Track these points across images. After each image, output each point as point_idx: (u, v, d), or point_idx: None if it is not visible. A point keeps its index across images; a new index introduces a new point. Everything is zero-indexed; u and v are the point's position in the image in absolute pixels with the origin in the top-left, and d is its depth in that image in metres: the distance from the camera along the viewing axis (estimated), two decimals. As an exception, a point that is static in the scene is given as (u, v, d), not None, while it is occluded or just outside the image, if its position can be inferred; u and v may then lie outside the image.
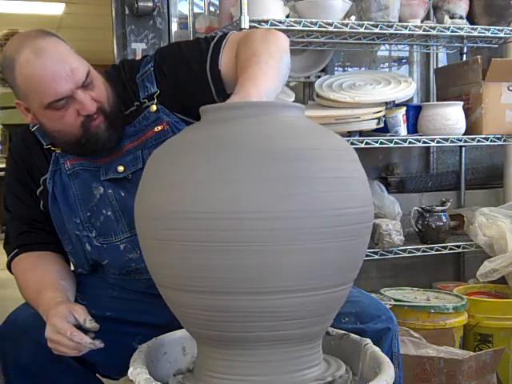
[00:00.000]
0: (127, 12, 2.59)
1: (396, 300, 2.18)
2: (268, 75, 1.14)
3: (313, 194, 0.88)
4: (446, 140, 2.39)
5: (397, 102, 2.40)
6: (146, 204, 0.96)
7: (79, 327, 1.19)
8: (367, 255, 2.21)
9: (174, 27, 2.69)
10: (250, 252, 0.87)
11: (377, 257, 2.33)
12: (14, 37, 1.31)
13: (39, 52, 1.22)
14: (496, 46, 2.67)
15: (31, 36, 1.26)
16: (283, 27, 2.12)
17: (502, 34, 2.46)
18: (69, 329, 1.16)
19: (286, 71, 1.22)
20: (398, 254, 2.36)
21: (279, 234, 0.87)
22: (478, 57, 2.47)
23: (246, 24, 2.03)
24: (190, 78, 1.32)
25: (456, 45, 2.68)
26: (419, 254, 2.41)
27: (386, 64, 3.02)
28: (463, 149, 2.83)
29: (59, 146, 1.38)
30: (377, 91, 2.35)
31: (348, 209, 0.91)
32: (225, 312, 0.92)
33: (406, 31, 2.32)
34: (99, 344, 1.18)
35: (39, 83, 1.23)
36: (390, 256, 2.35)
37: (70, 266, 1.47)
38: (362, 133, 2.33)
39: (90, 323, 1.19)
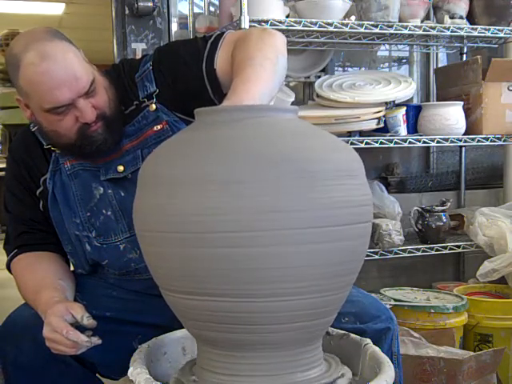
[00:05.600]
0: (127, 12, 2.59)
1: (396, 300, 2.18)
2: (262, 78, 1.13)
3: (310, 195, 0.87)
4: (446, 140, 2.39)
5: (397, 102, 2.40)
6: (143, 206, 0.96)
7: (77, 325, 1.19)
8: (367, 255, 2.21)
9: (174, 27, 2.69)
10: (248, 253, 0.87)
11: (377, 257, 2.33)
12: (22, 34, 1.30)
13: (45, 56, 1.20)
14: (496, 45, 2.67)
15: (40, 37, 1.24)
16: (283, 27, 2.12)
17: (502, 34, 2.46)
18: (64, 327, 1.16)
19: (281, 72, 1.21)
20: (398, 254, 2.36)
21: (278, 234, 0.86)
22: (478, 57, 2.47)
23: (246, 24, 2.03)
24: (187, 76, 1.32)
25: (456, 45, 2.68)
26: (419, 253, 2.41)
27: (386, 64, 3.02)
28: (463, 149, 2.83)
29: (55, 146, 1.38)
30: (377, 91, 2.35)
31: (346, 208, 0.91)
32: (224, 314, 0.92)
33: (406, 31, 2.32)
34: (97, 341, 1.18)
35: (41, 89, 1.22)
36: (390, 256, 2.35)
37: (69, 266, 1.47)
38: (361, 133, 2.33)
39: (88, 320, 1.19)
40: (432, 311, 2.12)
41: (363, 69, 2.94)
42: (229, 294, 0.90)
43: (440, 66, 2.92)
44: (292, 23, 2.14)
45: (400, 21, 2.33)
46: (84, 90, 1.24)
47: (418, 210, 2.49)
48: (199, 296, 0.92)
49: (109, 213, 1.37)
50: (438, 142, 2.38)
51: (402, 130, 2.35)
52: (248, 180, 0.86)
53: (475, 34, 2.44)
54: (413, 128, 2.45)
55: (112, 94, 1.33)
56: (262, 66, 1.16)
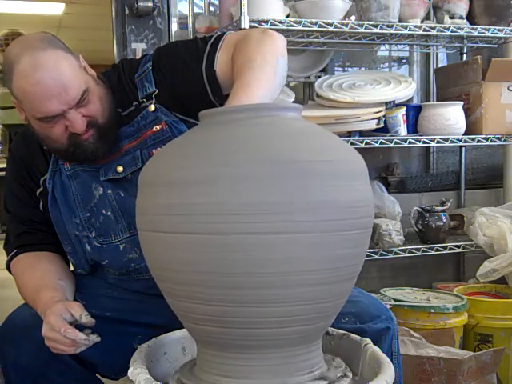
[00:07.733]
0: (127, 12, 2.59)
1: (396, 300, 2.19)
2: (262, 81, 1.13)
3: (310, 194, 0.88)
4: (446, 140, 2.39)
5: (397, 102, 2.40)
6: (145, 206, 0.96)
7: (77, 324, 1.19)
8: (367, 255, 2.21)
9: (174, 27, 2.69)
10: (251, 246, 0.87)
11: (377, 257, 2.33)
12: (18, 39, 1.30)
13: (37, 66, 1.20)
14: (496, 45, 2.67)
15: (34, 45, 1.23)
16: (283, 27, 2.12)
17: (502, 34, 2.46)
18: (62, 326, 1.16)
19: (282, 74, 1.20)
20: (398, 254, 2.36)
21: (281, 226, 0.87)
22: (478, 57, 2.47)
23: (246, 24, 2.03)
24: (187, 77, 1.31)
25: (456, 45, 2.68)
26: (419, 253, 2.42)
27: (386, 64, 3.02)
28: (463, 149, 2.84)
29: (50, 150, 1.38)
30: (377, 91, 2.35)
31: (350, 202, 0.91)
32: (224, 307, 0.92)
33: (406, 31, 2.32)
34: (95, 339, 1.18)
35: (32, 98, 1.22)
36: (390, 256, 2.35)
37: (69, 266, 1.48)
38: (362, 133, 2.33)
39: (86, 318, 1.19)
40: (432, 311, 2.13)
41: (363, 69, 2.94)
42: (228, 287, 0.90)
43: (440, 65, 2.92)
44: (292, 23, 2.15)
45: (400, 21, 2.33)
46: (74, 102, 1.24)
47: (417, 210, 2.49)
48: (198, 287, 0.92)
49: (108, 213, 1.37)
50: (437, 142, 2.38)
51: (402, 130, 2.35)
52: (248, 179, 0.87)
53: (475, 34, 2.44)
54: (413, 128, 2.45)
55: (107, 103, 1.32)
56: (263, 69, 1.15)
